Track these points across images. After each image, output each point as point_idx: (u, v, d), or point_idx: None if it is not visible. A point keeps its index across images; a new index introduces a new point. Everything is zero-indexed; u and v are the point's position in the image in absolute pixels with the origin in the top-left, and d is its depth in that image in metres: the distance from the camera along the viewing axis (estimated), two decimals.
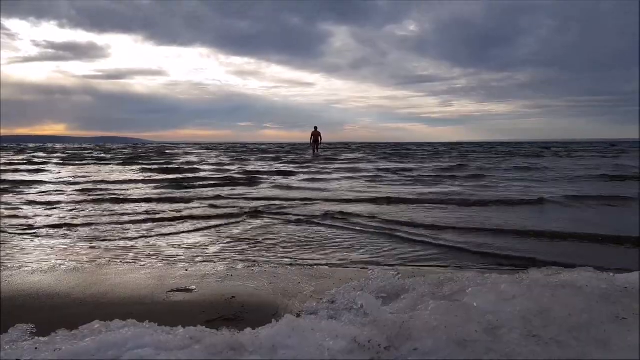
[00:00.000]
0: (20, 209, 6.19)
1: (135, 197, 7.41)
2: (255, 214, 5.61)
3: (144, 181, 10.50)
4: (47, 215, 5.66)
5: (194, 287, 2.77)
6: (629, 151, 31.04)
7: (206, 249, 3.90)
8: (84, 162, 19.99)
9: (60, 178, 11.45)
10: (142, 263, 3.41)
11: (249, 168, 15.16)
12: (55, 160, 20.83)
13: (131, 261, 3.47)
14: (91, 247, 3.95)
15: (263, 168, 15.16)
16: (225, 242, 4.18)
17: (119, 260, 3.48)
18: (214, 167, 16.01)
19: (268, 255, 3.68)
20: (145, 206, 6.47)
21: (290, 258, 3.58)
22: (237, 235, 4.46)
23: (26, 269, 3.20)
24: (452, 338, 1.54)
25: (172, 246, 4.00)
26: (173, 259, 3.55)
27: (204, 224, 5.05)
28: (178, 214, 5.69)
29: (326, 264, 3.36)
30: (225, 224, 5.01)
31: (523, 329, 1.61)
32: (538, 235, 4.31)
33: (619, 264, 3.16)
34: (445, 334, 1.55)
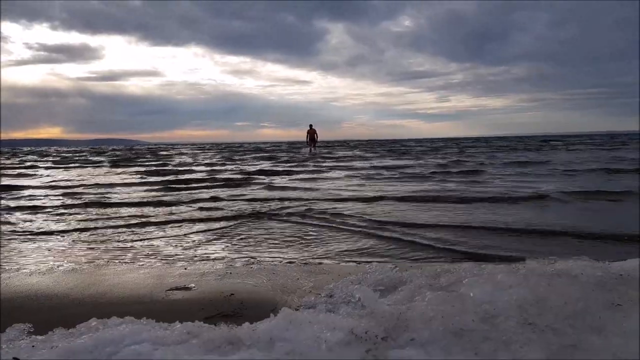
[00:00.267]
0: (10, 213, 6.16)
1: (131, 201, 7.39)
2: (252, 214, 5.59)
3: (140, 184, 10.45)
4: (42, 219, 5.65)
5: (192, 285, 2.77)
6: (628, 143, 30.99)
7: (204, 248, 3.90)
8: (75, 164, 19.93)
9: (59, 180, 11.43)
10: (141, 263, 3.41)
11: (245, 168, 15.10)
12: (48, 164, 20.76)
13: (129, 261, 3.47)
14: (88, 249, 3.95)
15: (259, 168, 15.11)
16: (223, 241, 4.18)
17: (117, 261, 3.49)
18: (209, 167, 15.93)
19: (266, 253, 3.68)
20: (141, 209, 6.45)
21: (289, 255, 3.59)
22: (235, 235, 4.47)
23: (24, 270, 3.20)
24: (449, 328, 1.55)
25: (170, 246, 4.01)
26: (172, 258, 3.55)
27: (201, 225, 5.05)
28: (174, 216, 5.68)
29: (323, 261, 3.37)
30: (223, 226, 5.00)
31: (519, 317, 1.62)
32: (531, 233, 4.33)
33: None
34: (442, 324, 1.56)
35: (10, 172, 15.47)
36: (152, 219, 5.43)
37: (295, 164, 16.85)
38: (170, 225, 5.02)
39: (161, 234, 4.59)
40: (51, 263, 3.43)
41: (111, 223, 5.21)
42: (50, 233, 4.72)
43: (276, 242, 4.09)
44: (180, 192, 8.41)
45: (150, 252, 3.76)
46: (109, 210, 6.21)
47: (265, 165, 16.70)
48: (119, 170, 15.82)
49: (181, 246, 3.99)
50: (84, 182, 10.78)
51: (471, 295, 1.78)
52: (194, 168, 15.75)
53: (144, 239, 4.33)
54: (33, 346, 1.45)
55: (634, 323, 1.58)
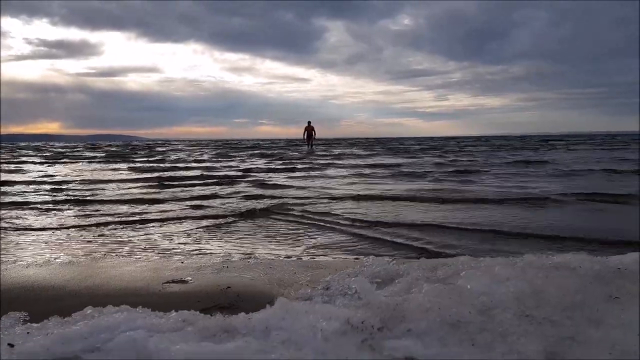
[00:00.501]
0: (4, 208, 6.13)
1: (126, 197, 7.37)
2: (247, 211, 5.56)
3: (136, 180, 10.40)
4: (39, 214, 5.63)
5: (189, 278, 2.76)
6: (630, 143, 30.85)
7: (201, 244, 3.89)
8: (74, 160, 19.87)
9: (64, 175, 11.39)
10: (137, 256, 3.40)
11: (241, 165, 15.04)
12: (42, 160, 20.69)
13: (126, 255, 3.46)
14: (85, 242, 3.94)
15: (256, 165, 15.06)
16: (219, 237, 4.17)
17: (114, 254, 3.48)
18: (206, 164, 15.88)
19: (263, 248, 3.68)
20: (136, 205, 6.44)
21: (285, 251, 3.58)
22: (231, 231, 4.46)
23: (21, 263, 3.19)
24: (446, 319, 1.54)
25: (167, 240, 4.00)
26: (168, 252, 3.54)
27: (197, 221, 5.02)
28: (170, 212, 5.66)
29: (320, 257, 3.37)
30: (220, 222, 4.97)
31: (517, 309, 1.61)
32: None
33: None
34: (439, 316, 1.56)
35: (4, 167, 15.39)
36: (148, 215, 5.40)
37: (292, 161, 16.80)
38: (166, 221, 5.00)
39: (157, 229, 4.57)
40: (48, 256, 3.42)
41: (108, 219, 5.19)
42: (47, 228, 4.70)
43: (272, 238, 4.09)
44: (176, 189, 8.37)
45: (147, 246, 3.75)
46: (104, 206, 6.18)
47: (262, 162, 16.65)
48: (115, 165, 15.76)
49: (177, 241, 3.98)
50: (79, 178, 10.75)
51: (468, 288, 1.78)
52: (190, 165, 15.69)
53: (141, 234, 4.31)
54: (28, 333, 1.44)
55: (632, 316, 1.58)
